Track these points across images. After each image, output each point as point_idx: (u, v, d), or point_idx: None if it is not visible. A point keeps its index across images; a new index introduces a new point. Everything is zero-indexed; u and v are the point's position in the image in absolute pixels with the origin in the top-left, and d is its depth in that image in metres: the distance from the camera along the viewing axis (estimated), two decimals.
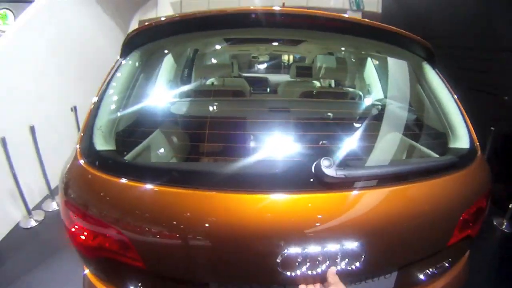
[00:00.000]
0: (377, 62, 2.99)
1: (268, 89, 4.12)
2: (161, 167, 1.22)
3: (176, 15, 1.43)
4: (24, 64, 3.57)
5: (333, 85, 3.63)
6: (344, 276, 0.99)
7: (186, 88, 2.61)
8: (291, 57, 5.77)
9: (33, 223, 3.24)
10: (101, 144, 1.16)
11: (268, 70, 5.49)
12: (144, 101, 1.55)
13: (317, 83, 3.46)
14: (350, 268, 1.00)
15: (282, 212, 0.98)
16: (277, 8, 1.33)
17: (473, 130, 1.40)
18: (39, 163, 3.40)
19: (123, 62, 1.44)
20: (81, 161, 1.12)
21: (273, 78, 4.70)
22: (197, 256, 1.02)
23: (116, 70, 1.41)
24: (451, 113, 1.43)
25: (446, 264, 1.29)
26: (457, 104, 1.45)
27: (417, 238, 1.13)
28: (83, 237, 1.08)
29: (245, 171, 1.09)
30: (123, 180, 1.04)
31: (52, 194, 3.55)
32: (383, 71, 2.74)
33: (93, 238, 1.06)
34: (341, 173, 0.95)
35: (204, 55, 2.99)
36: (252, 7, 1.36)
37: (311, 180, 0.99)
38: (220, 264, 1.03)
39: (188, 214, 0.99)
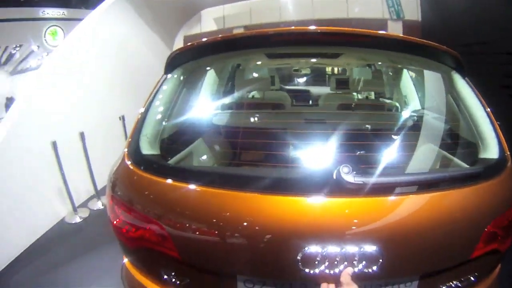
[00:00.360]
0: (413, 74, 2.99)
1: (310, 101, 4.33)
2: (201, 170, 1.39)
3: (218, 37, 1.55)
4: (76, 76, 3.96)
5: (372, 96, 3.66)
6: (362, 279, 1.03)
7: (227, 100, 2.75)
8: (333, 69, 5.81)
9: (77, 219, 3.53)
10: (147, 149, 1.31)
11: (309, 82, 5.60)
12: (187, 113, 1.72)
13: (356, 95, 3.51)
14: (368, 271, 1.02)
15: (306, 214, 1.07)
16: (313, 27, 1.42)
17: (504, 140, 1.35)
18: (87, 165, 3.73)
19: (168, 76, 1.61)
20: (128, 163, 1.27)
21: (315, 90, 4.82)
22: (228, 251, 1.11)
23: (161, 85, 1.58)
24: (480, 122, 1.40)
25: (472, 278, 1.24)
26: (487, 114, 1.41)
27: (438, 247, 1.11)
28: (125, 229, 1.22)
29: (276, 176, 1.22)
30: (167, 181, 1.18)
31: (98, 194, 3.86)
32: (419, 82, 2.75)
33: (135, 230, 1.19)
34: (359, 180, 1.00)
35: (245, 69, 3.16)
36: (291, 28, 1.48)
37: (333, 185, 1.05)
38: (248, 259, 1.12)
39: (224, 212, 1.11)
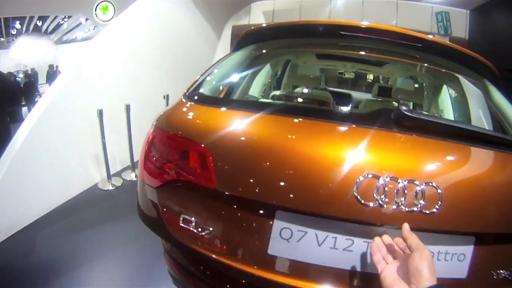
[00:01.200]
0: (453, 92, 3.05)
1: (350, 105, 4.29)
2: (251, 100, 1.54)
3: (291, 22, 1.70)
4: (127, 52, 4.14)
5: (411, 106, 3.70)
6: (419, 223, 0.96)
7: (278, 92, 2.90)
8: (375, 77, 5.85)
9: (110, 187, 3.69)
10: (200, 91, 1.42)
11: (352, 87, 5.67)
12: (239, 89, 1.84)
13: (396, 104, 3.55)
14: (426, 213, 0.95)
15: (364, 143, 1.02)
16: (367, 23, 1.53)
17: None
18: (128, 137, 3.89)
19: (234, 53, 1.75)
20: (183, 99, 1.37)
21: (356, 95, 4.88)
22: (268, 177, 1.04)
23: (226, 58, 1.72)
24: None
25: None
26: None
27: (497, 206, 1.05)
28: (166, 160, 1.20)
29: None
30: (220, 108, 1.26)
31: (133, 166, 4.02)
32: (458, 100, 2.78)
33: (177, 158, 1.17)
34: (416, 115, 1.01)
35: (297, 66, 3.28)
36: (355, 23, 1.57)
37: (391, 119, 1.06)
38: (290, 188, 1.02)
39: (269, 135, 1.10)
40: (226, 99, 1.44)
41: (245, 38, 1.76)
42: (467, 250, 1.04)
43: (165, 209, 1.20)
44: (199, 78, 1.53)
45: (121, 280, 2.36)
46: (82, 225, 2.92)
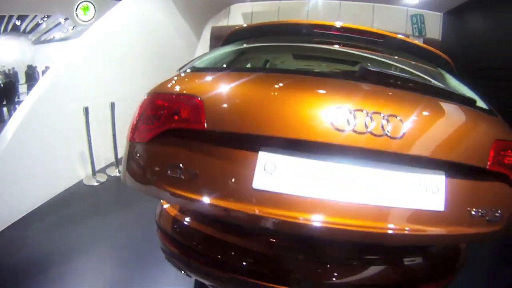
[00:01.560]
0: None
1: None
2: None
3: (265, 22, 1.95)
4: (110, 51, 4.22)
5: None
6: (389, 145, 1.11)
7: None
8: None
9: (95, 183, 3.76)
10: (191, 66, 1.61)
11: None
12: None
13: None
14: (393, 137, 1.11)
15: (334, 86, 1.27)
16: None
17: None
18: (112, 134, 3.98)
19: (221, 47, 1.95)
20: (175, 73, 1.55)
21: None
22: (254, 112, 1.18)
23: (213, 50, 1.93)
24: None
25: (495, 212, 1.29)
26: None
27: (456, 140, 1.23)
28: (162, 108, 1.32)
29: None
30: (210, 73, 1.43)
31: (117, 162, 4.11)
32: None
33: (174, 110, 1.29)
34: (374, 69, 1.27)
35: (275, 65, 3.48)
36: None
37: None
38: (275, 119, 1.16)
39: (254, 82, 1.29)
40: (216, 69, 1.60)
41: (231, 36, 1.97)
42: (440, 183, 1.18)
43: (155, 162, 1.27)
44: (190, 61, 1.72)
45: (110, 271, 2.45)
46: (69, 220, 2.99)
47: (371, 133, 1.10)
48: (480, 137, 1.30)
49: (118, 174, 4.01)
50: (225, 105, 1.22)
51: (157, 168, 1.24)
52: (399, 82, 1.29)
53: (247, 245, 1.50)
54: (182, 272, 1.73)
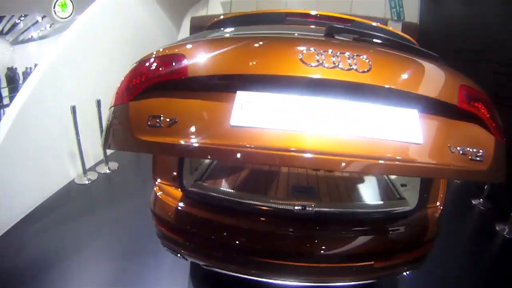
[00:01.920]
0: None
1: None
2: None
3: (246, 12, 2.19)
4: (93, 48, 4.23)
5: None
6: (357, 77, 1.22)
7: None
8: None
9: (86, 181, 3.81)
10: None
11: None
12: None
13: None
14: (361, 71, 1.22)
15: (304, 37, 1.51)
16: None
17: None
18: (100, 131, 4.01)
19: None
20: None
21: None
22: (232, 56, 1.32)
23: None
24: None
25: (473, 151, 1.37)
26: None
27: (425, 78, 1.38)
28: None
29: None
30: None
31: (106, 159, 4.15)
32: None
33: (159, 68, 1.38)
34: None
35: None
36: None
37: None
38: (252, 59, 1.30)
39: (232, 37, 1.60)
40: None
41: (213, 26, 2.15)
42: (414, 117, 1.27)
43: (137, 117, 1.30)
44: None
45: (107, 264, 2.56)
46: (65, 220, 3.06)
47: (341, 68, 1.21)
48: (447, 79, 1.44)
49: (108, 171, 4.07)
50: (205, 54, 1.32)
51: (138, 122, 1.28)
52: (364, 38, 1.49)
53: (237, 224, 1.65)
54: (178, 255, 1.86)
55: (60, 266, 2.44)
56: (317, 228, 1.64)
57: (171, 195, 1.79)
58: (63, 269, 2.42)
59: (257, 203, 1.74)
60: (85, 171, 3.87)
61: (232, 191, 2.05)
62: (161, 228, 1.81)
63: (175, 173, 1.80)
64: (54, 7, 8.16)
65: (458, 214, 3.80)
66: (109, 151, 4.14)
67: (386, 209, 1.81)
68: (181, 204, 1.74)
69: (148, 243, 2.53)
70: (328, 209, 1.75)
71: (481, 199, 3.97)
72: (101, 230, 2.93)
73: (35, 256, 2.56)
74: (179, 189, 1.79)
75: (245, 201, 1.74)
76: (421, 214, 1.80)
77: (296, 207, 1.65)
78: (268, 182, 2.33)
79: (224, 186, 2.19)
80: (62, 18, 8.97)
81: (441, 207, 1.87)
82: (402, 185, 2.28)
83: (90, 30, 4.19)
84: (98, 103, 3.87)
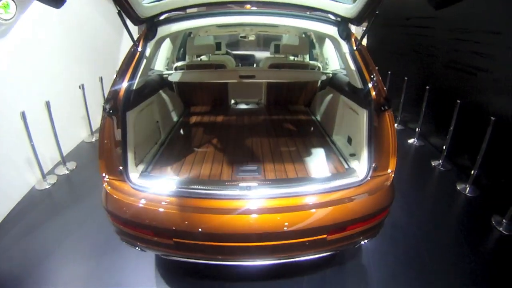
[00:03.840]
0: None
1: (254, 64, 5.61)
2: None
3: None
4: (41, 48, 4.06)
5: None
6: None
7: (180, 63, 3.98)
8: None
9: (47, 186, 3.76)
10: None
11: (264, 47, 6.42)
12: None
13: (291, 58, 4.33)
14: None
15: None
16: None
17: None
18: (53, 133, 3.91)
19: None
20: None
21: (259, 54, 5.84)
22: None
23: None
24: None
25: None
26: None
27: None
28: None
29: None
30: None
31: (63, 161, 4.09)
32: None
33: None
34: None
35: (193, 38, 4.00)
36: None
37: None
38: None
39: None
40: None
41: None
42: None
43: None
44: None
45: (79, 260, 2.67)
46: (31, 228, 3.07)
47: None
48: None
49: (67, 172, 4.04)
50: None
51: None
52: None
53: (185, 211, 1.76)
54: (137, 248, 1.94)
55: (34, 275, 2.52)
56: (266, 207, 1.75)
57: (120, 190, 1.87)
58: (37, 277, 2.50)
59: (203, 187, 1.85)
60: (44, 176, 3.81)
61: (178, 178, 2.17)
62: (115, 223, 1.87)
63: (121, 168, 1.88)
64: None
65: (419, 177, 4.07)
66: (65, 151, 4.06)
67: (333, 182, 1.91)
68: (129, 198, 1.82)
69: (115, 237, 2.60)
70: (274, 187, 1.88)
71: (441, 160, 4.23)
72: (68, 232, 2.99)
73: (8, 270, 2.59)
74: (126, 183, 1.88)
75: (191, 187, 1.86)
76: (371, 184, 1.90)
77: (241, 190, 1.80)
78: (214, 165, 2.47)
79: (170, 175, 2.30)
80: (6, 20, 8.55)
81: (393, 174, 1.97)
82: (351, 155, 2.42)
83: (35, 30, 4.02)
84: (48, 104, 3.77)
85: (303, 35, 4.29)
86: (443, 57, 4.47)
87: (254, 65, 5.64)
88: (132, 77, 2.06)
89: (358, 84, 2.14)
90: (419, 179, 3.99)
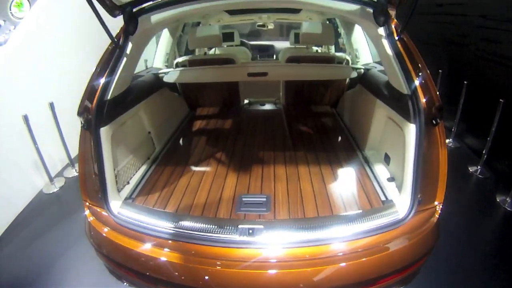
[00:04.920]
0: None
1: (274, 55, 5.19)
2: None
3: None
4: (44, 50, 3.92)
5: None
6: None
7: (181, 59, 3.42)
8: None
9: (54, 189, 3.63)
10: None
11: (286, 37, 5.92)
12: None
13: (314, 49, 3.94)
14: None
15: None
16: None
17: None
18: (59, 135, 3.75)
19: None
20: None
21: (279, 44, 5.37)
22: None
23: None
24: None
25: None
26: None
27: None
28: None
29: None
30: None
31: (72, 162, 3.94)
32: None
33: None
34: None
35: (195, 28, 3.33)
36: None
37: None
38: None
39: None
40: None
41: None
42: None
43: None
44: None
45: (89, 260, 2.49)
46: (40, 233, 2.95)
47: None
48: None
49: (76, 174, 3.88)
50: None
51: None
52: None
53: (172, 259, 1.43)
54: (124, 283, 1.68)
55: (40, 280, 2.43)
56: (273, 259, 1.35)
57: (101, 220, 1.62)
58: (48, 276, 2.44)
59: (193, 228, 1.49)
60: (51, 179, 3.68)
61: (165, 211, 1.80)
62: (101, 258, 1.62)
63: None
64: (10, 9, 7.69)
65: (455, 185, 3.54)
66: (74, 153, 3.87)
67: (365, 222, 1.47)
68: (110, 232, 1.56)
69: None
70: (286, 230, 1.45)
71: (479, 166, 3.73)
72: (79, 235, 2.78)
73: (15, 275, 2.51)
74: (107, 213, 1.61)
75: (178, 227, 1.50)
76: (413, 222, 1.46)
77: (241, 235, 1.40)
78: (211, 192, 2.01)
79: (158, 204, 1.91)
80: (20, 19, 8.50)
81: (440, 208, 1.54)
82: (389, 180, 1.93)
83: (40, 28, 3.85)
84: (52, 106, 3.58)
85: (327, 22, 3.73)
86: (483, 49, 3.99)
87: (274, 56, 5.22)
88: (107, 84, 1.72)
89: (402, 86, 1.63)
90: (455, 187, 3.54)
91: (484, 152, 3.64)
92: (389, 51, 1.65)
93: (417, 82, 1.54)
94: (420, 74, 1.56)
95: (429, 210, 1.52)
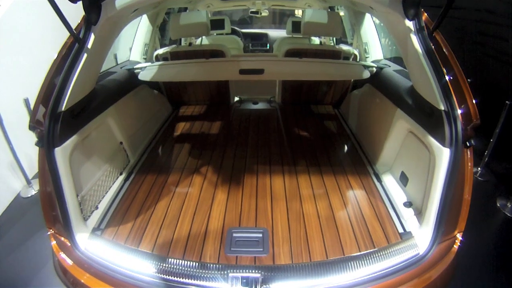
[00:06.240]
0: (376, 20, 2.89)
1: (268, 44, 4.80)
2: None
3: None
4: (20, 37, 3.59)
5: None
6: None
7: (162, 50, 3.13)
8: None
9: (33, 192, 3.39)
10: None
11: (278, 25, 5.79)
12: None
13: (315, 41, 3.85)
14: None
15: None
16: None
17: None
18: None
19: None
20: None
21: (274, 33, 4.96)
22: None
23: None
24: None
25: None
26: None
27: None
28: None
29: None
30: None
31: None
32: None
33: None
34: None
35: (178, 15, 2.83)
36: None
37: None
38: None
39: None
40: None
41: None
42: None
43: None
44: None
45: None
46: (18, 240, 2.78)
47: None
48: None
49: None
50: None
51: None
52: None
53: None
54: None
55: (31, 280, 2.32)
56: None
57: (67, 253, 1.39)
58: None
59: (170, 274, 1.26)
60: (29, 181, 3.43)
61: (138, 249, 1.49)
62: None
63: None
64: None
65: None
66: None
67: (379, 263, 1.26)
68: (75, 268, 1.34)
69: None
70: (288, 280, 1.23)
71: (479, 168, 3.54)
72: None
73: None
74: (72, 247, 1.37)
75: (153, 274, 1.27)
76: (433, 256, 1.26)
77: (233, 287, 1.17)
78: (194, 224, 1.68)
79: (130, 239, 1.60)
80: None
81: (461, 238, 1.34)
82: (406, 205, 1.66)
83: (13, 22, 3.50)
84: (27, 102, 3.28)
85: (329, 9, 3.31)
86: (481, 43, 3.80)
87: (268, 45, 4.83)
88: (62, 91, 1.42)
89: (435, 98, 1.36)
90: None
91: (486, 153, 3.49)
92: (419, 49, 1.40)
93: (454, 94, 1.31)
94: (457, 82, 1.33)
95: (448, 241, 1.34)
